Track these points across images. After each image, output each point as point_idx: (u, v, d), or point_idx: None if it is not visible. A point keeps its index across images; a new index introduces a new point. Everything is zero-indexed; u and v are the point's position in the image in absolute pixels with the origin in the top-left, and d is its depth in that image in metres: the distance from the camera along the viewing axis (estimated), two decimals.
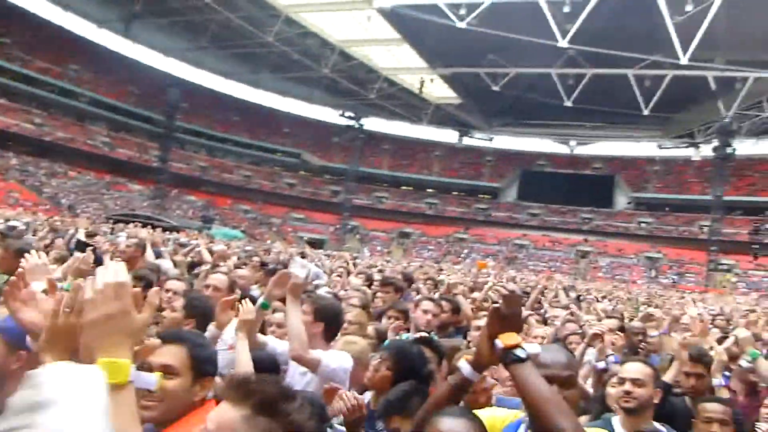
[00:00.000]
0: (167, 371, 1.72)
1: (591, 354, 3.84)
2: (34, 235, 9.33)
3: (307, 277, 3.10)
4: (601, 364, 3.69)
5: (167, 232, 15.52)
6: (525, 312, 5.95)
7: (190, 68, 56.53)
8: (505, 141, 63.36)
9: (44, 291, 1.64)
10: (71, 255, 5.19)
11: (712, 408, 2.87)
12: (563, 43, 35.23)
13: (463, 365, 1.79)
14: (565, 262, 51.32)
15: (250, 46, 47.17)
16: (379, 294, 5.47)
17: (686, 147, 54.96)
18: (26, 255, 2.11)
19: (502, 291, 1.78)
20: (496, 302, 1.76)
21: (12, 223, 11.21)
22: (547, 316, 6.61)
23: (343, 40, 44.58)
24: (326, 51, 45.92)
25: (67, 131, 48.22)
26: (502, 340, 1.65)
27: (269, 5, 40.30)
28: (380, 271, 11.96)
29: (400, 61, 47.01)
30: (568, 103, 43.74)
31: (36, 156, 45.01)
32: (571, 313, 5.96)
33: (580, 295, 11.48)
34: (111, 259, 6.18)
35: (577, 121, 52.86)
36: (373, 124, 60.35)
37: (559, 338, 4.77)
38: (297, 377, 3.06)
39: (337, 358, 2.98)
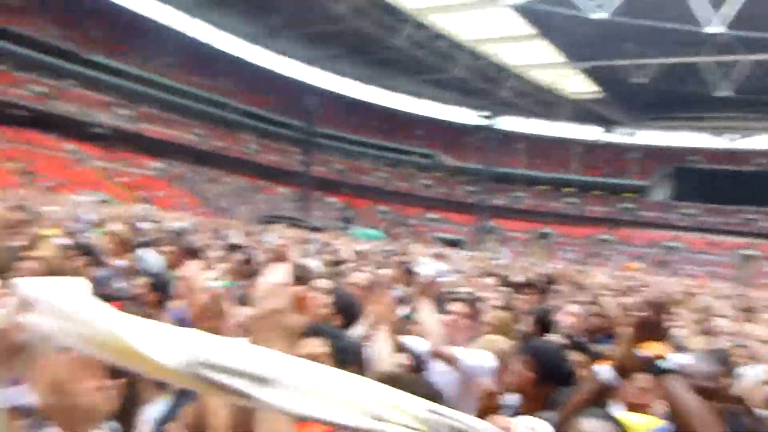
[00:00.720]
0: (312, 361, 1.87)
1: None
2: (198, 236, 10.35)
3: (434, 275, 3.18)
4: None
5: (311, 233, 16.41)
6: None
7: (327, 75, 59.31)
8: (650, 136, 59.21)
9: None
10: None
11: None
12: (716, 28, 32.18)
13: (605, 370, 1.76)
14: (724, 267, 46.61)
15: (382, 52, 48.40)
16: (520, 296, 5.40)
17: None
18: (188, 263, 2.38)
19: (649, 297, 1.76)
20: (640, 309, 1.72)
21: (181, 224, 12.52)
22: (710, 326, 6.16)
23: (473, 39, 44.28)
24: (457, 51, 45.89)
25: (222, 140, 52.73)
26: (646, 350, 1.63)
27: (398, 11, 41.13)
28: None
29: (533, 57, 45.72)
30: (725, 93, 39.87)
31: (197, 164, 49.70)
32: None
33: (752, 307, 10.36)
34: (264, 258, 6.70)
35: (734, 112, 48.03)
36: (507, 122, 59.28)
37: (719, 350, 4.41)
38: (437, 375, 3.12)
39: (477, 355, 2.99)
